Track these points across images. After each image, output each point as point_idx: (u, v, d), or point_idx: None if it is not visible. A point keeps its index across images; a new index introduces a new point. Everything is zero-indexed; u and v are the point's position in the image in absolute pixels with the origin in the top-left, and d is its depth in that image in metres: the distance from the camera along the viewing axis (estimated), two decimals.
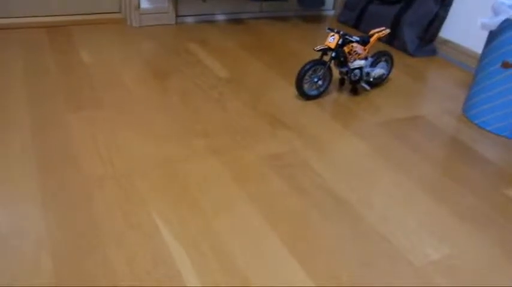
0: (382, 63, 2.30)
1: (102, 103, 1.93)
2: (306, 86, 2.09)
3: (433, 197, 1.55)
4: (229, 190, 1.50)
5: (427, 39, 2.78)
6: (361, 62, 2.15)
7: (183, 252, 1.25)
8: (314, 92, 2.14)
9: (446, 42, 2.81)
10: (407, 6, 2.83)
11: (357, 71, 2.16)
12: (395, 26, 2.85)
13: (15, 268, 1.16)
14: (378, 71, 2.25)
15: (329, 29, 2.09)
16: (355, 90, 2.25)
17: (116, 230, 1.30)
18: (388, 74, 2.36)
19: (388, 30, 2.25)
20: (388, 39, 2.90)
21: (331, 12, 3.47)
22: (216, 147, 1.70)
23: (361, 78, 2.19)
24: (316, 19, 3.33)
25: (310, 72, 2.06)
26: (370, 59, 2.21)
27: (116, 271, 1.18)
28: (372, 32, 2.23)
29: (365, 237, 1.35)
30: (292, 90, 2.18)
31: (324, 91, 2.16)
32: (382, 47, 2.86)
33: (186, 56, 2.46)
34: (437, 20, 2.74)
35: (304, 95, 2.11)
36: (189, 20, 3.02)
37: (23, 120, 1.77)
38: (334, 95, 2.20)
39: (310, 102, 2.10)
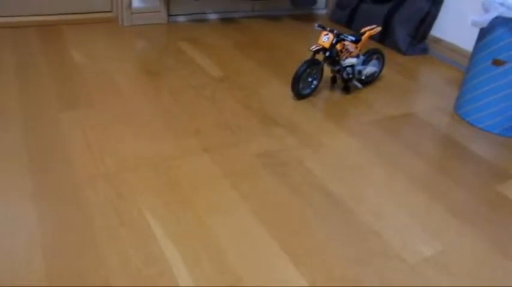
0: (374, 61, 2.29)
1: (93, 102, 1.92)
2: (300, 87, 2.08)
3: (425, 194, 1.55)
4: (221, 187, 1.49)
5: (418, 38, 2.79)
6: (353, 60, 2.14)
7: (174, 249, 1.24)
8: (307, 91, 2.14)
9: (437, 40, 2.82)
10: (398, 5, 2.84)
11: (349, 69, 2.15)
12: (387, 24, 2.86)
13: (6, 267, 1.15)
14: (370, 69, 2.26)
15: (319, 26, 2.08)
16: (347, 89, 2.25)
17: (107, 227, 1.29)
18: (379, 72, 2.37)
19: (379, 28, 2.25)
20: (380, 38, 2.91)
21: (323, 11, 3.47)
22: (208, 145, 1.69)
23: (353, 76, 2.18)
24: (308, 18, 3.33)
25: (305, 74, 2.06)
26: (361, 57, 2.21)
27: (108, 269, 1.17)
28: (363, 29, 2.22)
29: (357, 234, 1.35)
30: (285, 89, 2.18)
31: (315, 89, 2.16)
32: (374, 45, 2.87)
33: (178, 55, 2.45)
34: (428, 18, 2.74)
35: (299, 95, 2.10)
36: (181, 19, 3.01)
37: (14, 120, 1.76)
38: (326, 93, 2.20)
39: (303, 101, 2.10)
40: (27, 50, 2.35)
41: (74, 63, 2.25)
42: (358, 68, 2.19)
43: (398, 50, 2.81)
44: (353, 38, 2.05)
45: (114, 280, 1.14)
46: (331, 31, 2.03)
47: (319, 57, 2.10)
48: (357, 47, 2.17)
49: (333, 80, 2.31)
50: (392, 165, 1.69)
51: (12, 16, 2.66)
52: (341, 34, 2.04)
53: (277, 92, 2.15)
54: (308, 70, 2.06)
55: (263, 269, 1.21)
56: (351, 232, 1.36)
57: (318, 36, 2.09)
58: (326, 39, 2.02)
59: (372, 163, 1.69)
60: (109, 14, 2.90)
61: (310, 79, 2.12)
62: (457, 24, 2.68)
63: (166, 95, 2.03)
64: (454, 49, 2.72)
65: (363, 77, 2.25)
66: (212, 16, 3.12)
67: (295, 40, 2.85)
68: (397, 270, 1.24)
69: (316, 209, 1.43)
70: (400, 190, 1.56)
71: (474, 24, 1.94)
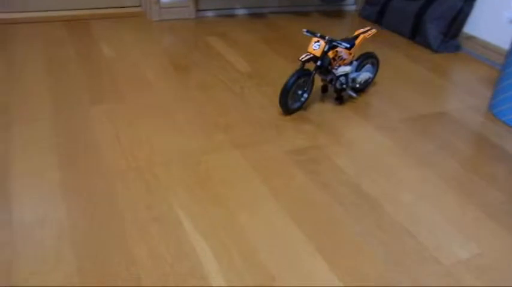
0: (368, 66, 2.10)
1: (123, 96, 1.92)
2: (289, 101, 1.86)
3: (459, 194, 1.51)
4: (252, 184, 1.48)
5: (451, 35, 2.73)
6: (347, 68, 1.94)
7: (206, 246, 1.23)
8: (297, 105, 1.93)
9: (470, 37, 2.75)
10: (430, 2, 2.78)
11: (343, 78, 1.95)
12: (418, 21, 2.80)
13: (37, 259, 1.15)
14: (364, 75, 2.05)
15: (308, 31, 1.88)
16: (340, 99, 2.04)
17: (138, 222, 1.29)
18: (373, 77, 2.19)
19: (374, 31, 2.07)
20: (410, 35, 2.85)
21: (353, 8, 3.42)
22: (239, 141, 1.68)
23: (347, 85, 1.99)
24: (337, 14, 3.29)
25: (294, 87, 1.84)
26: (355, 63, 2.01)
27: (139, 264, 1.16)
28: (357, 32, 2.04)
29: (391, 234, 1.32)
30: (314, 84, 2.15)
31: (305, 102, 1.95)
32: (405, 43, 2.82)
33: (206, 50, 2.44)
34: (461, 15, 2.68)
35: (288, 111, 1.89)
36: (209, 14, 3.00)
37: (45, 113, 1.76)
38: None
39: (332, 97, 2.06)
40: (57, 44, 2.37)
41: (103, 58, 2.25)
42: (351, 75, 2.00)
43: (429, 47, 2.75)
44: (347, 45, 1.83)
45: (145, 276, 1.13)
46: (322, 37, 1.83)
47: (310, 66, 1.94)
48: (350, 53, 1.97)
49: (324, 89, 2.12)
50: (424, 165, 1.65)
51: (43, 11, 2.69)
52: (333, 40, 1.84)
53: None
54: (298, 82, 1.84)
55: (296, 269, 1.19)
56: (385, 232, 1.33)
57: (307, 43, 1.97)
58: (317, 46, 1.82)
59: (403, 162, 1.66)
60: (137, 9, 2.90)
61: (300, 92, 1.90)
62: (491, 21, 2.62)
63: (196, 90, 2.01)
64: (487, 46, 2.65)
65: (357, 85, 2.07)
66: (240, 11, 3.10)
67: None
68: (432, 273, 1.21)
69: (349, 208, 1.41)
70: (434, 191, 1.52)
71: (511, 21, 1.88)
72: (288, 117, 1.86)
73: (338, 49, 1.88)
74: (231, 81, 2.12)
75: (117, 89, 1.98)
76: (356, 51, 2.01)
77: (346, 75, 1.95)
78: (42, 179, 1.43)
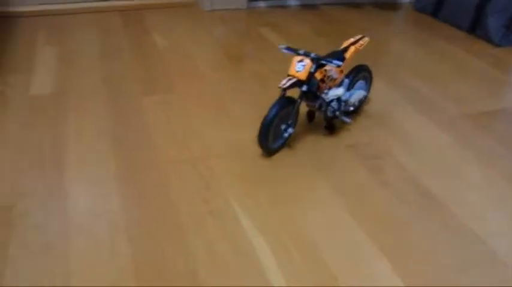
0: (360, 83, 1.74)
1: (176, 86, 1.91)
2: (270, 139, 1.49)
3: None
4: (311, 179, 1.44)
5: None
6: (339, 91, 1.57)
7: (263, 242, 1.20)
8: (279, 142, 1.55)
9: None
10: None
11: (334, 103, 1.58)
12: (478, 14, 2.68)
13: (91, 250, 1.15)
14: (357, 94, 1.69)
15: (288, 48, 1.54)
16: (331, 127, 1.67)
17: (194, 215, 1.27)
18: (367, 95, 1.83)
19: (367, 39, 1.72)
20: (470, 28, 2.74)
21: (407, 0, 3.32)
22: (296, 133, 1.63)
23: (339, 111, 1.61)
24: (391, 6, 3.18)
25: (276, 121, 1.47)
26: (346, 81, 1.64)
27: (195, 258, 1.14)
28: (346, 43, 1.68)
29: (458, 236, 1.25)
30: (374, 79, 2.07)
31: (289, 137, 1.58)
32: (463, 36, 2.70)
33: (259, 41, 2.41)
34: None
35: (269, 151, 1.52)
36: (261, 4, 2.96)
37: (99, 102, 1.77)
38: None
39: (390, 92, 1.99)
40: (110, 34, 2.38)
41: (156, 48, 2.25)
42: (343, 97, 1.62)
43: (491, 41, 2.63)
44: (339, 63, 1.46)
45: (202, 271, 1.11)
46: (307, 55, 1.49)
47: (293, 91, 1.52)
48: (341, 71, 1.63)
49: (311, 117, 1.73)
50: (487, 163, 1.57)
51: (95, 1, 2.71)
52: (321, 58, 1.49)
53: None
54: (280, 114, 1.47)
55: (359, 269, 1.14)
56: (452, 234, 1.26)
57: (289, 63, 1.50)
58: (301, 67, 1.45)
59: (464, 159, 1.58)
60: None
61: (283, 126, 1.52)
62: None
63: (249, 81, 1.98)
64: None
65: (351, 108, 1.70)
66: (292, 2, 3.05)
67: (377, 28, 2.73)
68: (503, 279, 1.14)
69: (413, 207, 1.35)
70: (499, 191, 1.44)
71: None
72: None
73: (327, 67, 1.54)
74: (284, 72, 2.08)
75: (169, 79, 1.96)
76: (346, 67, 1.67)
77: (338, 99, 1.60)
78: (97, 168, 1.43)
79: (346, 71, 1.66)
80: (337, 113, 1.60)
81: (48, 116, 1.68)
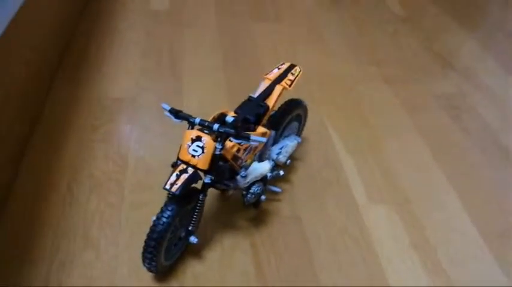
0: (292, 127, 1.25)
1: (283, 16, 2.06)
2: (162, 257, 0.96)
3: None
4: (398, 116, 1.56)
5: None
6: (264, 168, 1.06)
7: (351, 161, 1.35)
8: (175, 256, 1.03)
9: None
10: None
11: (256, 186, 1.06)
12: None
13: None
14: (289, 147, 1.20)
15: (172, 111, 0.95)
16: (257, 204, 1.12)
17: None
18: (300, 141, 1.28)
19: (298, 69, 1.23)
20: None
21: None
22: (388, 76, 1.74)
23: (265, 189, 1.11)
24: None
25: (168, 235, 0.93)
26: (272, 133, 1.13)
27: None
28: (267, 80, 1.16)
29: None
30: (464, 35, 2.10)
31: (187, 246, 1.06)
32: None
33: None
34: None
35: (160, 271, 0.99)
36: None
37: (211, 22, 1.95)
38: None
39: (480, 48, 2.02)
40: None
41: None
42: (272, 157, 1.17)
43: None
44: (261, 139, 0.93)
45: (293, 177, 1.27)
46: (207, 127, 0.93)
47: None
48: (265, 133, 1.07)
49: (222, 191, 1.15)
50: None
51: None
52: (228, 126, 0.96)
53: (459, 39, 2.09)
54: (174, 222, 0.93)
55: (430, 198, 1.27)
56: None
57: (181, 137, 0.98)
58: (198, 150, 0.92)
59: None
60: None
61: (182, 233, 1.01)
62: None
63: (350, 24, 2.08)
64: None
65: (281, 173, 1.16)
66: None
67: None
68: None
69: (490, 158, 1.43)
70: None
71: None
72: (437, 64, 1.87)
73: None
74: (385, 21, 2.15)
75: (277, 9, 2.11)
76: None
77: (262, 178, 1.07)
78: (208, 77, 1.62)
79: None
80: (264, 197, 1.12)
81: (166, 28, 1.87)
